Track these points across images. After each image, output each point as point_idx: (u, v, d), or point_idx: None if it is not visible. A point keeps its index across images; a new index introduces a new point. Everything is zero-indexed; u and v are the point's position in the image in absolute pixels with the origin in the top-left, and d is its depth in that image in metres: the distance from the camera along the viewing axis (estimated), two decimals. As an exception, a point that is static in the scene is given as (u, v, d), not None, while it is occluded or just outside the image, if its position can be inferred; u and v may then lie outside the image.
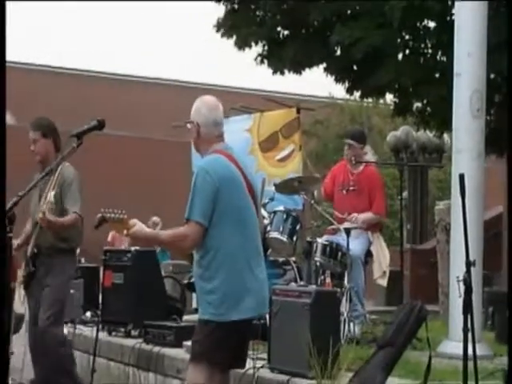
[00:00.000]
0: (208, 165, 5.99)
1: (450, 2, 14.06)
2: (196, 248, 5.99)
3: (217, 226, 5.90)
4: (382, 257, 9.68)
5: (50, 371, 8.23)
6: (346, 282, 8.97)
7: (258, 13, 16.69)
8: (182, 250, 6.18)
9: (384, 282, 9.83)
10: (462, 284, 5.32)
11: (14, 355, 7.66)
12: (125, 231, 5.92)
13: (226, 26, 16.84)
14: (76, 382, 8.39)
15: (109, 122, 6.10)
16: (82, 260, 10.95)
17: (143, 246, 9.80)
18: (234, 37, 16.85)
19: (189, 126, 6.26)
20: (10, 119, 40.05)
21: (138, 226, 5.93)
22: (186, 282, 10.32)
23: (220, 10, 16.84)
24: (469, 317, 5.30)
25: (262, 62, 17.10)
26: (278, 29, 16.98)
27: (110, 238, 19.72)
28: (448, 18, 14.63)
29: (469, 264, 5.37)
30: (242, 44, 16.89)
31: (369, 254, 9.60)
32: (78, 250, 8.63)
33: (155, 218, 19.73)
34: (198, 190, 5.90)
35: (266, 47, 16.96)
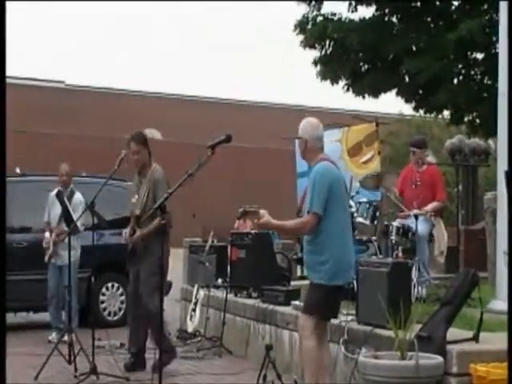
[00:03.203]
0: (323, 170, 6.10)
1: (494, 38, 13.81)
2: (310, 233, 6.05)
3: (328, 215, 5.99)
4: (441, 239, 9.56)
5: (151, 334, 8.16)
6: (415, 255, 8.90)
7: (344, 54, 16.64)
8: (301, 234, 6.22)
9: (442, 259, 9.74)
10: (506, 256, 5.22)
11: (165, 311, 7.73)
12: (255, 220, 5.97)
13: (321, 66, 16.86)
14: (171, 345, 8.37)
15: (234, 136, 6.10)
16: (215, 241, 11.03)
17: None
18: (328, 74, 16.88)
19: (297, 140, 6.36)
20: (156, 135, 40.81)
21: (266, 217, 5.98)
22: (295, 257, 10.29)
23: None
24: (512, 281, 5.20)
25: (347, 89, 17.08)
26: (360, 64, 16.93)
27: (236, 225, 19.78)
28: (493, 51, 14.38)
29: (512, 240, 5.27)
30: (333, 77, 16.90)
31: (432, 234, 9.49)
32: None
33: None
34: (316, 189, 6.01)
35: (351, 79, 16.93)
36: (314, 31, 16.49)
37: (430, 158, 12.40)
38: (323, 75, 16.97)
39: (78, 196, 10.21)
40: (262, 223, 5.99)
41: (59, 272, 10.10)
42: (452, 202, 20.86)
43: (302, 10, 16.98)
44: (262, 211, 5.97)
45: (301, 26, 16.75)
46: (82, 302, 10.58)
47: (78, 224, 9.47)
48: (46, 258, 10.24)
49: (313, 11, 16.76)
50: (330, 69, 16.76)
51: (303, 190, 11.23)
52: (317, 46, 16.65)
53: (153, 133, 38.66)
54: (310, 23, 16.71)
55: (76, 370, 7.87)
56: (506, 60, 8.36)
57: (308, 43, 16.64)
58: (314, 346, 6.05)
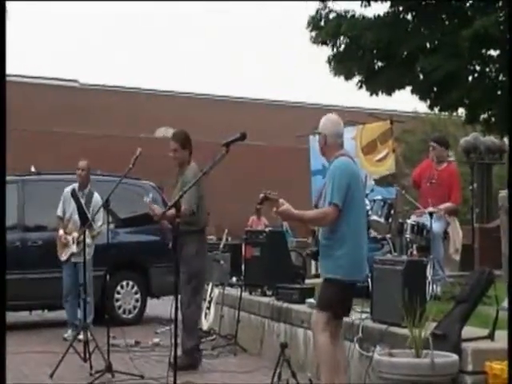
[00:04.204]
0: (342, 165, 6.08)
1: (508, 35, 13.75)
2: (329, 224, 6.02)
3: (346, 209, 5.97)
4: (456, 236, 9.53)
5: (187, 330, 8.17)
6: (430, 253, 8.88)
7: (358, 52, 16.61)
8: (321, 225, 6.13)
9: (457, 257, 9.68)
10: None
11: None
12: (274, 208, 5.96)
13: (335, 63, 16.83)
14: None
15: (250, 134, 6.09)
16: (229, 239, 11.05)
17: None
18: (341, 70, 16.85)
19: (317, 136, 6.32)
20: (171, 133, 40.88)
21: (286, 205, 5.97)
22: (309, 251, 10.25)
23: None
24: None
25: (361, 87, 17.04)
26: (375, 61, 16.89)
27: (250, 222, 19.76)
28: (508, 47, 14.31)
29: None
30: (347, 75, 16.88)
31: (446, 232, 9.46)
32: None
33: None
34: (336, 182, 5.98)
35: (364, 76, 16.89)
36: (327, 29, 16.46)
37: (452, 158, 12.36)
38: (336, 71, 16.93)
39: (97, 197, 10.13)
40: (281, 211, 5.95)
41: (74, 269, 10.14)
42: (466, 202, 20.81)
43: (309, 6, 16.98)
44: (281, 200, 5.95)
45: (314, 22, 16.71)
46: (96, 300, 10.61)
47: (98, 225, 9.51)
48: (65, 257, 10.25)
49: (325, 7, 16.71)
50: (343, 65, 16.73)
51: (319, 190, 11.24)
52: (328, 42, 16.62)
53: (168, 131, 38.73)
54: (323, 20, 16.67)
55: (91, 367, 7.89)
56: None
57: (320, 40, 16.60)
58: (327, 343, 6.01)
